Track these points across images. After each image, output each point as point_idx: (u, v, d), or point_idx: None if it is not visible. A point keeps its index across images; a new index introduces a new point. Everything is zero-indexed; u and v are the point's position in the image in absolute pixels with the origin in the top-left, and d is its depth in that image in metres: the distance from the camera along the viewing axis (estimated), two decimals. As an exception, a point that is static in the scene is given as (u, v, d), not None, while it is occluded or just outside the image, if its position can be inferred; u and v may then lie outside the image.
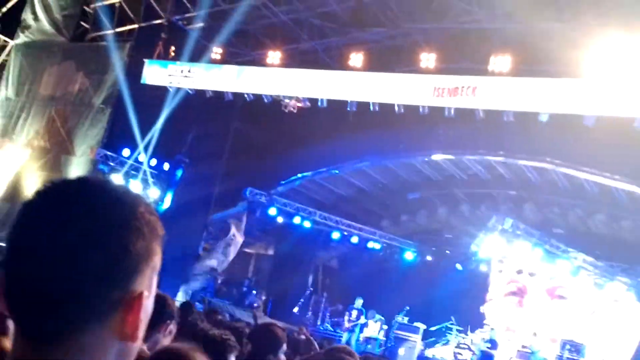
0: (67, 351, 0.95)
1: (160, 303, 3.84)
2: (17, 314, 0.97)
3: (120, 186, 1.05)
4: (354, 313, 17.07)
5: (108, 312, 0.96)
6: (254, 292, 18.34)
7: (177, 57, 16.33)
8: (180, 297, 15.12)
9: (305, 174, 18.05)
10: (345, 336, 16.72)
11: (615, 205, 16.26)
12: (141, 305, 0.99)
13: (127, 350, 1.00)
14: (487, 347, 15.35)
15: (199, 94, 15.95)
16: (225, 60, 16.10)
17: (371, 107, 14.50)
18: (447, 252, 19.87)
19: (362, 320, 17.00)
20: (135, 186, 15.68)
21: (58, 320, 0.95)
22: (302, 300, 17.59)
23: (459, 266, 19.33)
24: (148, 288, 1.01)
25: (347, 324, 17.07)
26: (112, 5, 16.82)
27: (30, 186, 15.58)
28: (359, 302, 17.30)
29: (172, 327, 3.73)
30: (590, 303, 17.65)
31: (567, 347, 15.96)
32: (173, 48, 16.58)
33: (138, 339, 1.00)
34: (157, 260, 1.02)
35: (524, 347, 15.90)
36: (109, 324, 0.96)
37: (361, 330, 17.35)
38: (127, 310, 0.97)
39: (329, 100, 14.95)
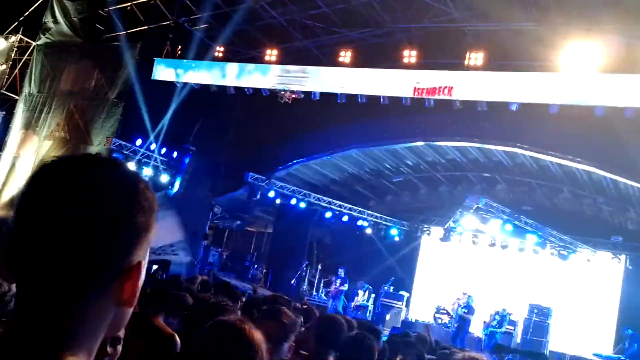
0: (71, 317, 0.92)
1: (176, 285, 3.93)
2: (22, 281, 0.93)
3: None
4: (338, 282, 17.21)
5: (110, 280, 0.95)
6: (256, 266, 18.47)
7: (183, 56, 16.31)
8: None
9: (300, 159, 18.09)
10: (330, 303, 16.79)
11: (577, 185, 16.44)
12: (139, 274, 0.98)
13: (122, 314, 0.99)
14: (464, 312, 15.57)
15: (204, 88, 15.95)
16: (227, 57, 16.10)
17: (359, 100, 14.54)
18: (428, 228, 20.02)
19: (345, 287, 17.09)
20: (147, 172, 15.72)
21: (65, 288, 0.92)
22: (298, 272, 17.73)
23: (438, 241, 19.48)
24: (144, 258, 1.00)
25: (332, 291, 17.18)
26: (124, 9, 16.75)
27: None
28: (341, 272, 17.45)
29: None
30: (556, 272, 17.90)
31: (535, 310, 16.23)
32: (180, 47, 16.56)
33: (133, 305, 0.99)
34: (152, 234, 1.00)
35: (496, 311, 16.12)
36: (110, 291, 0.95)
37: (346, 297, 17.52)
38: (127, 279, 0.96)
39: (321, 93, 14.98)
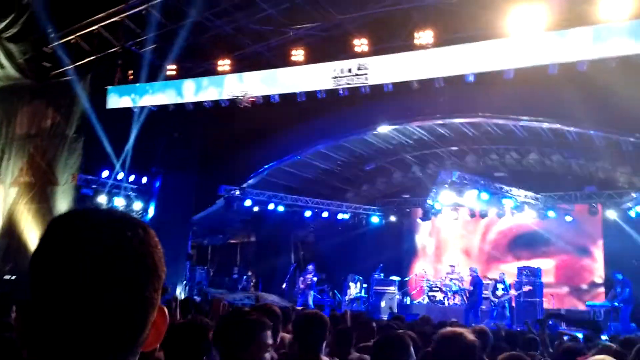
0: None
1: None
2: (52, 347, 0.87)
3: (128, 213, 1.00)
4: (308, 277, 17.06)
5: (139, 332, 0.93)
6: (245, 276, 18.30)
7: (136, 80, 16.01)
8: (179, 294, 14.98)
9: (270, 164, 17.95)
10: (299, 299, 16.54)
11: (543, 144, 16.61)
12: (166, 316, 0.97)
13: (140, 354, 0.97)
14: (458, 284, 15.69)
15: (162, 109, 15.70)
16: (181, 74, 15.86)
17: (318, 95, 14.46)
18: (407, 210, 20.06)
19: (314, 279, 16.99)
20: (119, 203, 15.42)
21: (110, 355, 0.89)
22: (288, 276, 17.61)
23: (419, 221, 19.56)
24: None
25: (301, 286, 16.91)
26: (68, 43, 16.35)
27: (23, 221, 15.20)
28: (310, 267, 17.33)
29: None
30: (538, 231, 18.08)
31: (524, 272, 16.37)
32: (131, 72, 16.24)
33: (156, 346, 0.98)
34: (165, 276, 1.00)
35: (496, 280, 16.17)
36: (140, 341, 0.94)
37: (315, 290, 17.46)
38: (157, 326, 0.96)
39: (280, 95, 14.86)
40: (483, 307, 15.68)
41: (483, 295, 15.64)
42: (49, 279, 0.87)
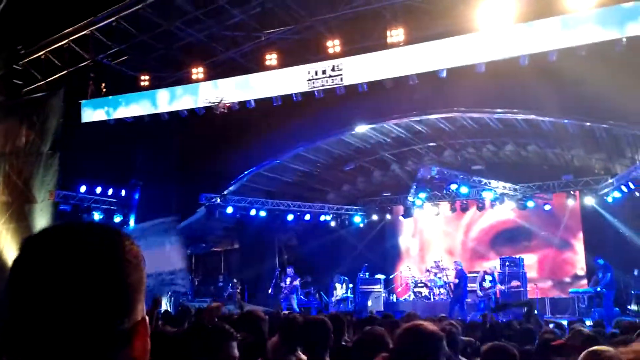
0: None
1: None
2: (24, 355, 0.91)
3: (101, 225, 1.02)
4: (288, 280, 16.98)
5: (118, 343, 0.94)
6: (230, 284, 18.21)
7: (109, 92, 15.85)
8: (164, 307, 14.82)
9: (250, 169, 17.90)
10: (283, 303, 16.38)
11: (518, 135, 16.77)
12: (146, 330, 0.98)
13: None
14: (443, 279, 15.80)
15: (138, 120, 15.55)
16: (154, 84, 15.74)
17: (294, 98, 14.46)
18: (389, 208, 20.13)
19: (297, 282, 16.93)
20: (98, 217, 15.23)
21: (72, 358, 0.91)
22: (273, 281, 17.55)
23: (401, 218, 19.63)
24: (143, 312, 1.00)
25: (285, 291, 16.76)
26: (38, 59, 16.13)
27: (2, 240, 14.93)
28: (290, 270, 17.29)
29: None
30: (519, 225, 18.24)
31: (507, 263, 16.55)
32: (103, 85, 16.06)
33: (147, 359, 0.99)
34: (144, 281, 1.01)
35: (484, 271, 16.24)
36: (121, 353, 0.94)
37: (325, 293, 17.44)
38: (135, 338, 0.96)
39: (256, 100, 14.83)
40: (469, 300, 15.79)
41: (469, 288, 15.76)
42: (22, 297, 0.91)
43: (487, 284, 15.62)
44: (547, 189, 17.57)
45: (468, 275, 16.18)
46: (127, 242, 0.98)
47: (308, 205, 19.44)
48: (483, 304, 15.19)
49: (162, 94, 15.38)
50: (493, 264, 17.08)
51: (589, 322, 10.36)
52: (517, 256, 16.64)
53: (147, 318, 0.99)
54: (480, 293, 15.47)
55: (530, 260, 17.03)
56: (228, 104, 14.69)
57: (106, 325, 0.92)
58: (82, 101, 15.65)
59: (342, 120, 16.83)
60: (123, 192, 16.49)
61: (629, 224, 15.81)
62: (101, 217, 15.50)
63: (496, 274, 15.99)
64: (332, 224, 20.23)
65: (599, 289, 14.86)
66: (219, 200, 17.43)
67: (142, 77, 15.59)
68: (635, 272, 15.23)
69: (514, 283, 15.72)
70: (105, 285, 0.92)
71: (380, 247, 19.70)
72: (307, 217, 19.55)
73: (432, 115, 15.94)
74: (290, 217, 19.28)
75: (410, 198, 18.37)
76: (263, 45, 15.30)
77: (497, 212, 18.34)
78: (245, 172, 17.86)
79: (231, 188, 17.99)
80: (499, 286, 15.63)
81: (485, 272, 15.94)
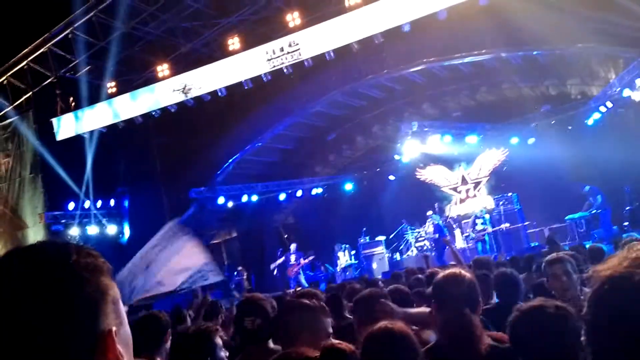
0: None
1: (154, 321, 3.82)
2: None
3: (45, 244, 0.98)
4: (292, 258, 17.03)
5: (85, 357, 0.91)
6: (235, 273, 18.32)
7: (78, 106, 15.68)
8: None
9: (234, 157, 17.87)
10: (292, 284, 16.46)
11: (490, 75, 16.79)
12: (114, 340, 0.95)
13: None
14: (437, 231, 16.03)
15: (112, 127, 15.44)
16: (122, 90, 15.59)
17: (264, 78, 14.39)
18: (377, 170, 20.20)
19: (302, 261, 17.00)
20: (92, 231, 15.20)
21: None
22: (277, 262, 17.64)
23: (391, 177, 19.74)
24: (115, 321, 0.97)
25: (290, 272, 16.83)
26: (1, 85, 15.89)
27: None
28: (293, 247, 17.33)
29: (169, 334, 3.75)
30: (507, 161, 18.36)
31: (501, 202, 16.75)
32: (72, 99, 15.89)
33: None
34: (113, 292, 0.97)
35: (475, 215, 16.44)
36: None
37: (307, 268, 17.54)
38: (103, 351, 0.93)
39: (226, 87, 14.75)
40: (465, 244, 16.11)
41: (466, 234, 16.03)
42: None
43: (479, 227, 15.85)
44: (527, 122, 17.64)
45: (462, 220, 16.40)
46: (74, 256, 0.95)
47: (297, 181, 19.49)
48: (481, 247, 15.45)
49: (126, 99, 15.25)
50: (484, 204, 17.30)
51: (589, 245, 10.54)
52: (509, 194, 16.79)
53: (114, 328, 0.95)
54: (473, 235, 15.73)
55: (521, 190, 17.14)
56: (197, 93, 14.59)
57: (58, 342, 0.89)
58: (53, 119, 15.48)
59: (316, 91, 16.84)
60: (112, 202, 16.43)
61: (612, 144, 15.98)
62: (97, 229, 15.46)
63: (487, 217, 16.19)
64: (325, 195, 20.30)
65: (593, 211, 15.10)
66: (209, 192, 17.41)
67: (109, 85, 15.43)
68: (627, 189, 15.44)
69: (503, 226, 15.96)
70: (52, 303, 0.89)
71: (376, 209, 19.78)
72: (299, 193, 19.62)
73: (404, 70, 15.90)
74: (282, 196, 19.34)
75: (396, 156, 18.43)
76: (224, 31, 15.15)
77: (487, 156, 18.44)
78: (230, 161, 17.84)
79: (219, 179, 17.97)
80: (488, 228, 15.84)
81: (476, 216, 16.15)
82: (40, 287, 0.90)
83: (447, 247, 15.16)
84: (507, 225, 16.05)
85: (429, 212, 17.32)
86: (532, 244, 15.64)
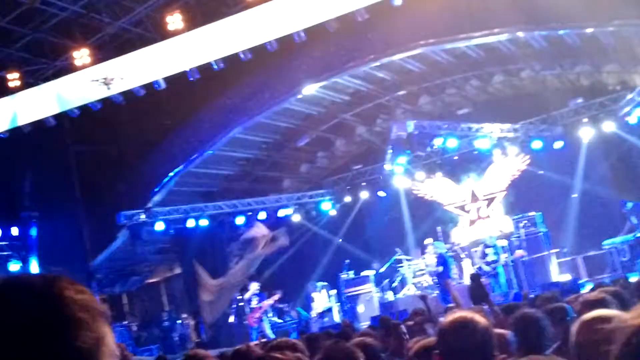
0: None
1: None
2: None
3: (31, 277, 1.02)
4: (253, 300, 16.77)
5: None
6: (180, 321, 18.05)
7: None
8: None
9: (177, 169, 17.67)
10: (254, 334, 16.26)
11: (506, 60, 16.89)
12: None
13: None
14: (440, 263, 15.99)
15: (15, 134, 15.15)
16: (27, 83, 15.29)
17: (215, 65, 14.27)
18: (363, 183, 20.14)
19: (265, 303, 16.77)
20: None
21: None
22: (234, 306, 17.37)
23: (381, 193, 19.69)
24: None
25: (250, 319, 16.59)
26: None
27: None
28: (253, 286, 17.06)
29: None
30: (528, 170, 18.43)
31: (522, 223, 16.75)
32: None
33: None
34: (109, 339, 1.02)
35: (484, 244, 16.48)
36: None
37: (274, 313, 17.34)
38: None
39: (165, 79, 14.59)
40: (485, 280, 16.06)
41: (476, 266, 16.07)
42: None
43: (491, 258, 15.85)
44: (553, 122, 17.77)
45: (472, 247, 16.40)
46: (68, 292, 0.98)
47: (260, 200, 19.30)
48: (493, 282, 15.41)
49: (32, 93, 14.98)
50: (499, 227, 17.32)
51: (634, 278, 10.51)
52: (532, 214, 16.82)
53: None
54: (487, 268, 15.70)
55: (545, 208, 17.19)
56: (120, 81, 14.39)
57: None
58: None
59: (283, 83, 16.77)
60: (15, 231, 16.10)
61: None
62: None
63: (499, 244, 16.20)
64: (296, 217, 20.14)
65: (638, 234, 15.17)
66: (143, 216, 17.15)
67: (9, 77, 15.11)
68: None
69: (518, 253, 16.04)
70: (39, 352, 0.93)
71: (361, 235, 19.70)
72: (262, 215, 19.42)
73: (395, 55, 15.91)
74: (240, 219, 19.12)
75: (387, 166, 18.40)
76: (161, 6, 14.95)
77: (502, 164, 18.51)
78: (171, 174, 17.62)
79: (156, 198, 17.74)
80: (502, 258, 15.86)
81: (485, 246, 16.16)
82: (27, 330, 0.93)
83: (455, 283, 15.15)
84: (522, 252, 16.07)
85: (428, 241, 17.27)
86: (562, 279, 15.65)
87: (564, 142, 17.49)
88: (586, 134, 17.18)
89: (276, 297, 17.11)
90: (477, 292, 6.81)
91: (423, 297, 10.02)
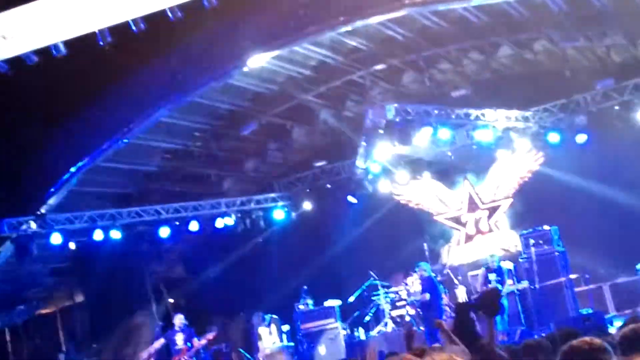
0: None
1: None
2: None
3: None
4: (178, 338, 16.67)
5: None
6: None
7: None
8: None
9: (80, 164, 17.56)
10: None
11: (516, 27, 17.00)
12: None
13: None
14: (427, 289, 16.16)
15: None
16: None
17: (133, 27, 14.24)
18: (328, 186, 20.22)
19: (196, 344, 16.72)
20: None
21: None
22: (152, 345, 17.27)
23: (352, 199, 19.74)
24: None
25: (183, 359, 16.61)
26: None
27: None
28: (178, 320, 16.91)
29: None
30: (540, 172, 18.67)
31: (534, 240, 16.93)
32: None
33: None
34: None
35: (486, 266, 16.71)
36: None
37: (207, 356, 17.33)
38: None
39: (66, 43, 14.53)
40: None
41: (474, 297, 16.21)
42: None
43: (493, 279, 16.09)
44: (575, 109, 17.93)
45: (469, 271, 16.59)
46: None
47: (191, 205, 19.27)
48: (499, 318, 15.61)
49: None
50: (504, 244, 17.54)
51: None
52: (545, 228, 17.02)
53: None
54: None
55: (563, 223, 17.38)
56: None
57: None
58: None
59: (224, 52, 16.77)
60: None
61: None
62: None
63: (504, 266, 16.46)
64: (238, 229, 20.10)
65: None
66: (33, 225, 17.03)
67: None
68: None
69: (520, 286, 16.39)
70: None
71: (325, 253, 19.75)
72: (194, 225, 19.36)
73: (372, 17, 16.02)
74: (164, 231, 19.06)
75: (360, 164, 18.47)
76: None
77: (509, 163, 18.75)
78: (72, 170, 17.52)
79: (52, 201, 17.63)
80: (509, 283, 16.13)
81: (487, 270, 16.38)
82: None
83: (445, 318, 15.32)
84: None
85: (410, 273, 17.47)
86: (584, 311, 15.88)
87: (588, 135, 17.67)
88: (617, 124, 17.38)
89: (210, 336, 17.08)
90: (464, 328, 6.90)
91: (409, 336, 10.02)
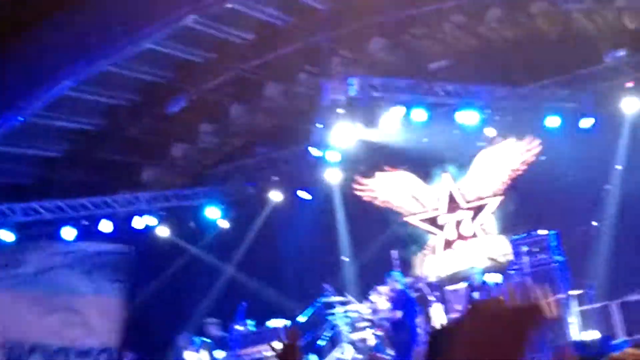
0: None
1: None
2: None
3: None
4: None
5: None
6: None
7: None
8: None
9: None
10: None
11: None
12: None
13: None
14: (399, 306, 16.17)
15: None
16: None
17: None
18: (275, 178, 20.23)
19: None
20: None
21: None
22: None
23: (304, 194, 19.78)
24: None
25: None
26: None
27: None
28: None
29: None
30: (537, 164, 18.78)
31: (527, 247, 17.01)
32: None
33: None
34: None
35: (466, 277, 16.79)
36: None
37: None
38: None
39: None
40: None
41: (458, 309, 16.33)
42: None
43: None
44: (579, 86, 18.04)
45: (448, 284, 16.67)
46: None
47: (102, 201, 19.17)
48: None
49: None
50: (490, 253, 17.63)
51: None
52: (542, 232, 17.12)
53: None
54: None
55: (562, 224, 17.53)
56: None
57: None
58: None
59: (145, 9, 16.76)
60: None
61: None
62: None
63: (491, 279, 16.54)
64: (163, 231, 20.09)
65: None
66: None
67: None
68: None
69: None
70: None
71: (270, 262, 19.76)
72: (106, 226, 19.31)
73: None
74: (68, 232, 18.97)
75: (314, 151, 18.47)
76: None
77: (498, 153, 18.82)
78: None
79: None
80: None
81: (471, 285, 16.47)
82: None
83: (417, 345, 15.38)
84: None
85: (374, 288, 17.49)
86: (587, 335, 15.98)
87: (596, 118, 17.82)
88: (631, 105, 17.53)
89: None
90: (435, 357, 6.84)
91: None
